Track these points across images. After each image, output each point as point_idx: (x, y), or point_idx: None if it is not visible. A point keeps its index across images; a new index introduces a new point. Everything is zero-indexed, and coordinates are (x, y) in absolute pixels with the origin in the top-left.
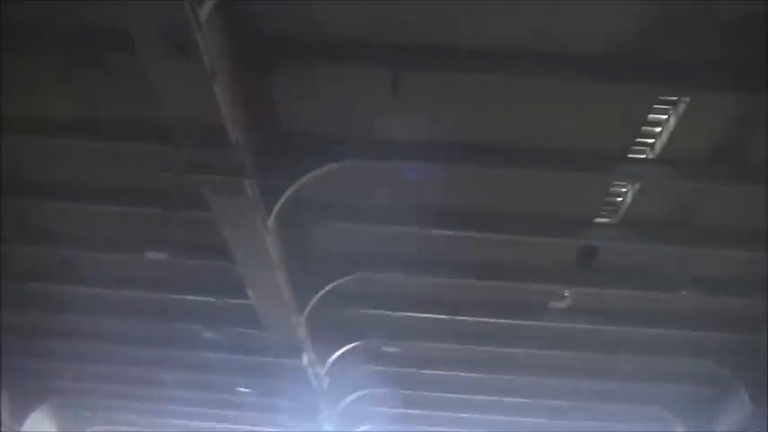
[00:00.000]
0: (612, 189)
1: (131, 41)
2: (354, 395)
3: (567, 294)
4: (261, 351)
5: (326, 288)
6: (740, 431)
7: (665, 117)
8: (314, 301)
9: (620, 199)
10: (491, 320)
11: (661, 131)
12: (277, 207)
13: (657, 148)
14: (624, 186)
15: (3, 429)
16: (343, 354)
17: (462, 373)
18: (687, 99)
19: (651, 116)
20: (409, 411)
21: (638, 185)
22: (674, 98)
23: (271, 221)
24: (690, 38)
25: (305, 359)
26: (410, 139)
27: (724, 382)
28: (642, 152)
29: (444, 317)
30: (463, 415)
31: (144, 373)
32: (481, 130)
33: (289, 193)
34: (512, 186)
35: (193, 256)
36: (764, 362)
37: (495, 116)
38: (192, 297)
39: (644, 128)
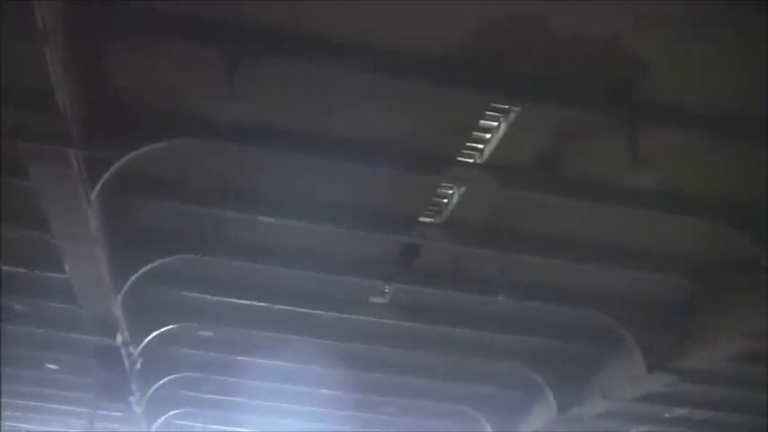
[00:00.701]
0: (440, 190)
1: None
2: (168, 378)
3: (387, 290)
4: (74, 327)
5: (146, 267)
6: None
7: (495, 124)
8: (132, 279)
9: (446, 200)
10: (310, 311)
11: (491, 138)
12: (102, 181)
13: (486, 153)
14: (451, 188)
15: None
16: (159, 335)
17: (279, 362)
18: (518, 109)
19: (483, 122)
20: (223, 398)
21: (463, 189)
22: (506, 107)
23: (94, 195)
24: (525, 50)
25: (119, 338)
26: (242, 122)
27: (532, 384)
28: (471, 156)
29: (263, 304)
30: (277, 404)
31: None
32: (314, 120)
33: (115, 167)
34: (340, 178)
35: (8, 225)
36: (570, 367)
37: (329, 107)
38: (3, 267)
39: (475, 133)
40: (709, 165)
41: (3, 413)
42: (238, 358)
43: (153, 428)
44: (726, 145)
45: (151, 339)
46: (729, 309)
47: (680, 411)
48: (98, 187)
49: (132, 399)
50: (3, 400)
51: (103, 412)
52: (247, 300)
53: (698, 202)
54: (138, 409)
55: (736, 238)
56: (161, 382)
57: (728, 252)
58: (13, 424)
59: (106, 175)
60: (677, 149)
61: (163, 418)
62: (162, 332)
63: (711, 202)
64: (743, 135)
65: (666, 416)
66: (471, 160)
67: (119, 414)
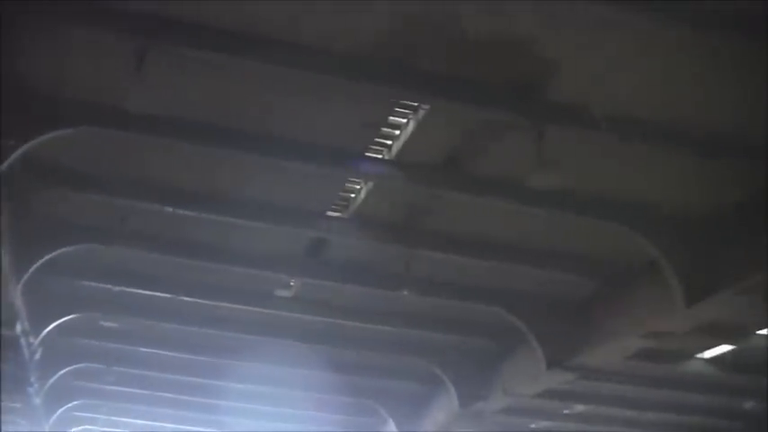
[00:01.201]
0: (348, 185)
1: None
2: (68, 369)
3: (292, 284)
4: None
5: (48, 256)
6: (446, 429)
7: (405, 121)
8: (33, 268)
9: (353, 195)
10: (216, 303)
11: (400, 135)
12: (2, 167)
13: (394, 150)
14: (359, 184)
15: None
16: (60, 326)
17: (183, 355)
18: (427, 106)
19: (392, 119)
20: (126, 389)
21: (371, 184)
22: (416, 104)
23: None
24: (438, 49)
25: (18, 328)
26: (150, 112)
27: (435, 380)
28: (380, 152)
29: (168, 296)
30: (179, 396)
31: None
32: (225, 113)
33: (17, 154)
34: (249, 171)
35: None
36: (473, 363)
37: (241, 100)
38: None
39: (384, 129)
40: (613, 167)
41: None
42: (142, 350)
43: (52, 420)
44: (629, 147)
45: (51, 329)
46: (628, 309)
47: (579, 408)
48: None
49: (31, 390)
50: None
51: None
52: (152, 291)
53: (600, 203)
54: (37, 400)
55: (637, 240)
56: (61, 372)
57: (629, 253)
58: None
59: (7, 162)
60: (583, 151)
61: (62, 410)
62: (63, 322)
63: (614, 204)
64: (646, 137)
65: (566, 412)
66: (380, 156)
67: (17, 405)
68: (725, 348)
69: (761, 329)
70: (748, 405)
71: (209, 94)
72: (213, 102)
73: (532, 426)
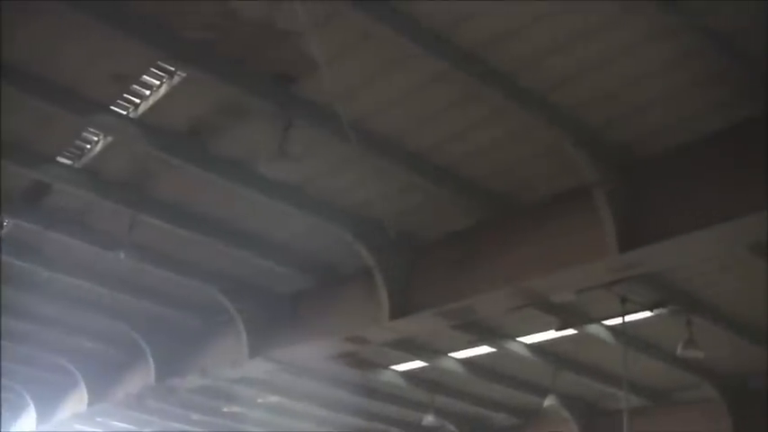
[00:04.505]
0: (86, 135)
1: None
2: None
3: (6, 223)
4: None
5: None
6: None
7: (158, 83)
8: None
9: (89, 146)
10: None
11: (150, 95)
12: None
13: (141, 109)
14: (97, 135)
15: None
16: None
17: None
18: (184, 74)
19: (146, 78)
20: None
21: (110, 139)
22: (173, 69)
23: None
24: (208, 22)
25: None
26: None
27: (136, 348)
28: (125, 109)
29: None
30: None
31: None
32: None
33: None
34: None
35: None
36: (177, 338)
37: None
38: None
39: (135, 87)
40: (348, 174)
41: None
42: None
43: None
44: (368, 160)
45: None
46: (337, 311)
47: (273, 399)
48: None
49: None
50: None
51: None
52: None
53: (328, 205)
54: None
55: (356, 248)
56: None
57: (347, 258)
58: None
59: None
60: (324, 152)
61: None
62: None
63: (341, 210)
64: (384, 154)
65: (259, 401)
66: (124, 112)
67: None
68: (418, 364)
69: (453, 352)
70: (427, 421)
71: None
72: None
73: (224, 409)
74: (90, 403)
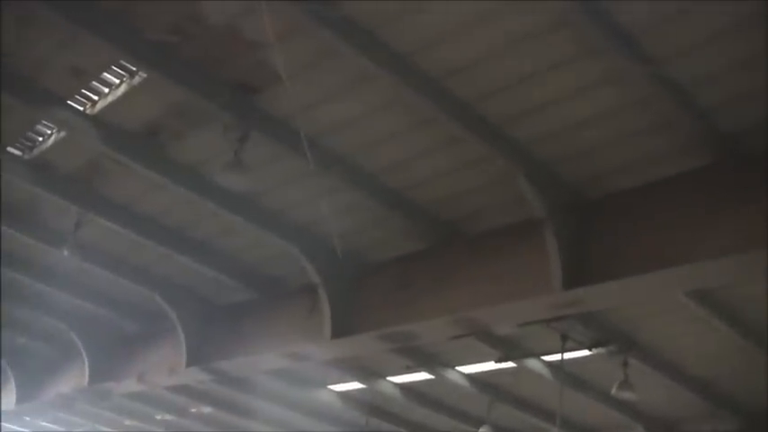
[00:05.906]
0: (39, 127)
1: None
2: None
3: None
4: None
5: None
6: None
7: (117, 81)
8: None
9: (41, 139)
10: None
11: (108, 93)
12: None
13: (98, 107)
14: (51, 129)
15: None
16: None
17: None
18: (145, 75)
19: (106, 75)
20: None
21: (63, 134)
22: (134, 69)
23: None
24: (173, 25)
25: None
26: None
27: (71, 348)
28: (82, 104)
29: None
30: None
31: None
32: None
33: None
34: None
35: None
36: (115, 341)
37: None
38: None
39: (95, 83)
40: (303, 191)
41: None
42: None
43: None
44: (325, 178)
45: None
46: (279, 326)
47: (206, 410)
48: None
49: None
50: None
51: None
52: None
53: (278, 220)
54: None
55: (303, 264)
56: None
57: (293, 273)
58: None
59: None
60: (280, 167)
61: None
62: None
63: (292, 225)
64: (341, 175)
65: (193, 410)
66: (81, 108)
67: None
68: (356, 385)
69: (391, 376)
70: None
71: None
72: None
73: (157, 417)
74: (19, 401)
